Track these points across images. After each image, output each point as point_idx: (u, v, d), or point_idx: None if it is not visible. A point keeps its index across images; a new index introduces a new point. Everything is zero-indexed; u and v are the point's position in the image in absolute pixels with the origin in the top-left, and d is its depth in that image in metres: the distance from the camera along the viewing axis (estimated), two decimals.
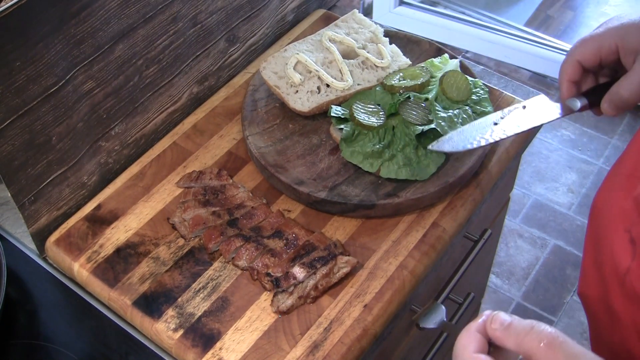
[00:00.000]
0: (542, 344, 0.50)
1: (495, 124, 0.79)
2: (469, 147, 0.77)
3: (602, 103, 0.73)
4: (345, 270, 0.82)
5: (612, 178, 0.70)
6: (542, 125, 0.79)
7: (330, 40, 1.02)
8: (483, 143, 0.77)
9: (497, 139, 0.77)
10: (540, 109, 0.78)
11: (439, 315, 0.76)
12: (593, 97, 0.75)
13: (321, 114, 0.98)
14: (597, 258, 0.70)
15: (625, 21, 0.72)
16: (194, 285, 0.84)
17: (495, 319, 0.53)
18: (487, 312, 0.55)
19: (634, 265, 0.64)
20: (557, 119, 0.77)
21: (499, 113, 0.80)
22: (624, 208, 0.65)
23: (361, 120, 0.91)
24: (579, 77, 0.76)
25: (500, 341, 0.53)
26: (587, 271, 0.74)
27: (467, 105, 0.95)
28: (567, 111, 0.76)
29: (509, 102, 1.03)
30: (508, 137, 0.77)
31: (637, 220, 0.62)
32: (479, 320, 0.54)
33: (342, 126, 0.93)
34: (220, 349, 0.78)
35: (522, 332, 0.51)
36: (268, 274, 0.82)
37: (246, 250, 0.84)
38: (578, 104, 0.75)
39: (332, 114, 0.94)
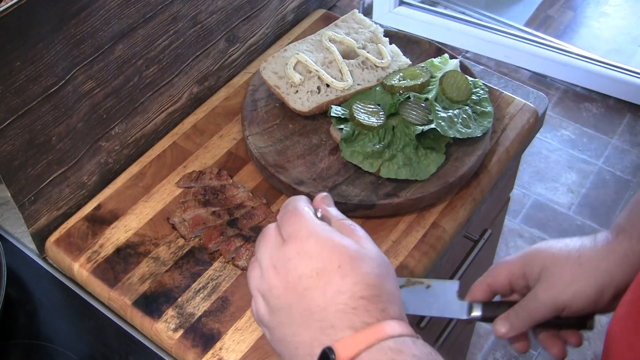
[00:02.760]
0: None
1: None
2: None
3: (494, 322, 0.71)
4: None
5: (627, 305, 0.69)
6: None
7: (330, 40, 1.02)
8: None
9: None
10: (443, 297, 0.74)
11: None
12: (491, 312, 0.72)
13: (321, 114, 0.98)
14: None
15: (537, 247, 0.71)
16: (194, 285, 0.84)
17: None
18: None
19: None
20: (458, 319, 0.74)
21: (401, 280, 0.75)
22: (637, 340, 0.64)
23: (361, 120, 0.91)
24: (488, 299, 0.74)
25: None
26: None
27: (467, 105, 0.95)
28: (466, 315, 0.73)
29: (509, 102, 1.03)
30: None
31: None
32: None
33: (342, 126, 0.93)
34: (220, 349, 0.78)
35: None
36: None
37: (246, 250, 0.84)
38: (474, 313, 0.72)
39: (332, 114, 0.94)
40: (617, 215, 2.03)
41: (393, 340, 0.50)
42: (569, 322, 0.70)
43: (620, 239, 0.68)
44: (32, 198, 0.86)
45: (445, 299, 0.73)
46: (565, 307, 0.67)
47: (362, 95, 0.97)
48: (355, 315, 0.51)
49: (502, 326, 0.70)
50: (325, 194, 0.63)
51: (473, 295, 0.74)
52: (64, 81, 0.82)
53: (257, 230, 0.87)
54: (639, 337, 0.58)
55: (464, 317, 0.72)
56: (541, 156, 2.26)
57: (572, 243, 0.70)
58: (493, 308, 0.71)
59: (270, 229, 0.58)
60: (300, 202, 0.58)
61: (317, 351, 0.51)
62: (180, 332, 0.80)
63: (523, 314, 0.69)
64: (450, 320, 0.97)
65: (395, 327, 0.52)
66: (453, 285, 0.72)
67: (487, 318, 0.72)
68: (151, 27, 0.91)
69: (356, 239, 0.56)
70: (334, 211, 0.60)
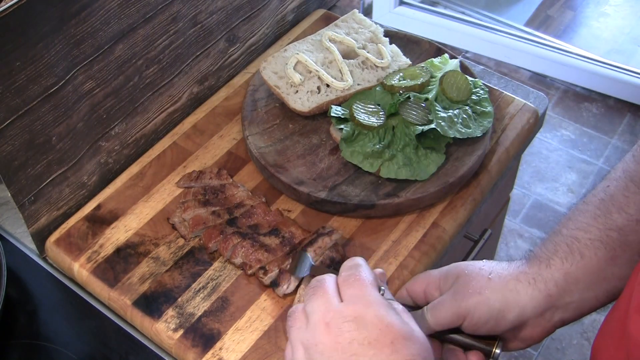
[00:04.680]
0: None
1: None
2: None
3: None
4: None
5: (607, 326, 0.69)
6: None
7: (330, 40, 1.02)
8: None
9: None
10: None
11: (307, 261, 0.78)
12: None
13: (321, 114, 0.98)
14: None
15: (457, 264, 0.73)
16: (194, 285, 0.84)
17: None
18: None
19: None
20: None
21: None
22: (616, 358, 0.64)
23: (361, 120, 0.91)
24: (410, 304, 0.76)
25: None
26: None
27: (467, 105, 0.95)
28: None
29: (509, 102, 1.03)
30: None
31: None
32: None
33: (342, 126, 0.93)
34: (220, 349, 0.78)
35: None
36: (262, 268, 0.82)
37: (242, 248, 0.84)
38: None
39: (332, 114, 0.94)
40: None
41: None
42: (474, 345, 0.71)
43: (530, 264, 0.70)
44: (32, 198, 0.86)
45: None
46: (468, 315, 0.69)
47: (362, 95, 0.97)
48: None
49: None
50: (382, 270, 0.68)
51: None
52: (64, 81, 0.82)
53: (255, 227, 0.87)
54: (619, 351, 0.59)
55: None
56: (541, 156, 2.26)
57: (489, 263, 0.72)
58: (407, 308, 0.73)
59: (329, 282, 0.60)
60: (367, 271, 0.61)
61: None
62: (180, 332, 0.80)
63: (428, 314, 0.70)
64: None
65: None
66: (362, 260, 0.75)
67: None
68: (151, 27, 0.91)
69: (407, 319, 0.59)
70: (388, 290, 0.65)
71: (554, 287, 0.68)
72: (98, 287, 0.85)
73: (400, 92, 0.95)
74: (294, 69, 0.98)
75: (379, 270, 0.69)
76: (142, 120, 0.97)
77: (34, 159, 0.84)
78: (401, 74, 0.98)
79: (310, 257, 0.80)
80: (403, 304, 0.69)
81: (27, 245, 0.92)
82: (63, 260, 0.88)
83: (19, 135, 0.80)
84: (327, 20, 1.17)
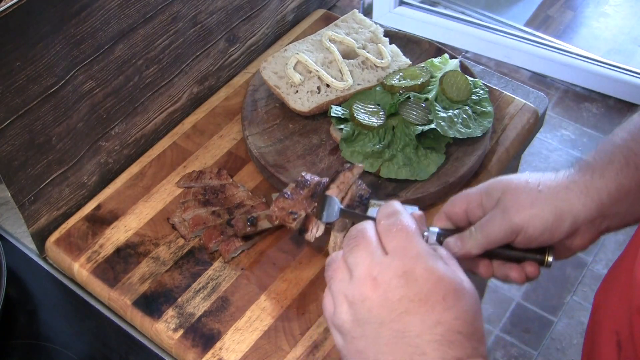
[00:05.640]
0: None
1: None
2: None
3: (446, 241, 0.69)
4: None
5: (612, 275, 0.68)
6: None
7: (330, 40, 1.02)
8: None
9: None
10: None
11: (334, 205, 0.73)
12: (446, 237, 0.71)
13: (321, 114, 0.98)
14: (591, 358, 0.69)
15: (496, 178, 0.71)
16: (194, 285, 0.84)
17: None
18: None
19: None
20: None
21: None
22: (617, 310, 0.64)
23: (361, 120, 0.91)
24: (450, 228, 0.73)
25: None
26: None
27: (467, 105, 0.95)
28: None
29: (509, 102, 1.03)
30: None
31: (626, 324, 0.61)
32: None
33: (342, 126, 0.93)
34: (220, 348, 0.78)
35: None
36: (292, 213, 0.79)
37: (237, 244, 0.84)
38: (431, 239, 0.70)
39: (332, 114, 0.94)
40: None
41: None
42: (526, 257, 0.69)
43: (582, 173, 0.67)
44: (32, 198, 0.86)
45: None
46: (522, 230, 0.66)
47: (362, 95, 0.97)
48: (450, 349, 0.51)
49: (455, 243, 0.68)
50: (420, 213, 0.63)
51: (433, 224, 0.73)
52: (64, 81, 0.82)
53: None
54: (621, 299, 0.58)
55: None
56: (541, 156, 2.26)
57: (532, 175, 0.69)
58: (449, 233, 0.70)
59: (371, 232, 0.57)
60: (408, 218, 0.57)
61: None
62: (180, 332, 0.80)
63: (477, 234, 0.67)
64: None
65: None
66: (412, 209, 0.70)
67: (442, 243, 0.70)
68: (151, 27, 0.91)
69: (455, 268, 0.56)
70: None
71: (607, 197, 0.66)
72: (98, 287, 0.85)
73: (400, 92, 0.95)
74: (294, 69, 0.98)
75: (417, 212, 0.64)
76: (142, 120, 0.97)
77: (34, 159, 0.84)
78: (401, 74, 0.98)
79: (338, 200, 0.74)
80: (444, 230, 0.68)
81: (27, 245, 0.92)
82: (63, 260, 0.88)
83: (19, 135, 0.80)
84: (327, 20, 1.17)
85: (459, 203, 0.71)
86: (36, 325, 0.85)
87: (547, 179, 0.68)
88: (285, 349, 0.78)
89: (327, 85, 0.97)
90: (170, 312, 0.81)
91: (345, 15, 1.07)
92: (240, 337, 0.79)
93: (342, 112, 0.94)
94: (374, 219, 0.59)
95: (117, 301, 0.83)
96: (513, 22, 2.62)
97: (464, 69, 1.02)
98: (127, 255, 0.87)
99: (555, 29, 2.66)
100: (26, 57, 0.76)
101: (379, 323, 0.53)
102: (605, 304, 0.66)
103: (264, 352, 0.78)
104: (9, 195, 0.83)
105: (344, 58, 1.00)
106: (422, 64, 1.00)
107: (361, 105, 0.93)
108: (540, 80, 2.49)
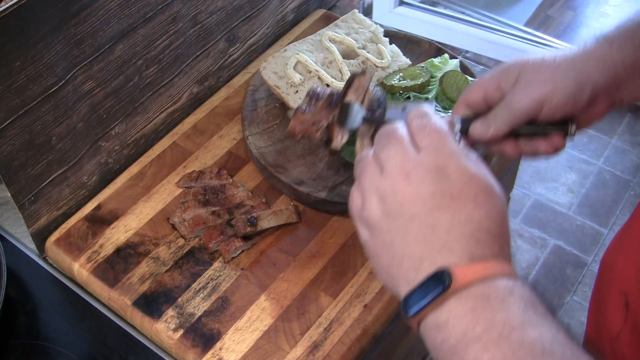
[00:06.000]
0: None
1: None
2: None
3: (472, 126, 0.70)
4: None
5: (622, 237, 0.68)
6: None
7: (330, 40, 1.02)
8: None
9: None
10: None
11: (358, 112, 0.73)
12: (469, 124, 0.71)
13: None
14: (597, 319, 0.69)
15: (512, 61, 0.71)
16: (194, 285, 0.84)
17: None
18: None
19: (625, 330, 0.63)
20: None
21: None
22: (625, 270, 0.64)
23: None
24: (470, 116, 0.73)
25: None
26: (589, 333, 0.72)
27: None
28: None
29: None
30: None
31: (634, 284, 0.61)
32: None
33: None
34: (220, 349, 0.78)
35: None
36: (315, 123, 0.77)
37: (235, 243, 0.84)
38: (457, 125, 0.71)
39: None
40: (617, 216, 2.04)
41: (506, 279, 0.50)
42: (551, 130, 0.70)
43: (600, 44, 0.68)
44: (32, 198, 0.86)
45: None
46: (545, 103, 0.67)
47: None
48: (477, 246, 0.51)
49: (480, 127, 0.69)
50: (450, 118, 0.61)
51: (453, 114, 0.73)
52: (64, 81, 0.82)
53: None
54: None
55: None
56: None
57: (548, 53, 0.70)
58: (472, 119, 0.69)
59: (402, 130, 0.56)
60: (439, 119, 0.57)
61: (427, 268, 0.50)
62: (180, 332, 0.80)
63: (502, 114, 0.68)
64: None
65: (508, 267, 0.51)
66: (429, 105, 0.69)
67: (467, 131, 0.70)
68: (151, 27, 0.91)
69: (484, 170, 0.55)
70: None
71: (622, 69, 0.67)
72: (98, 287, 0.85)
73: (401, 92, 0.95)
74: (294, 69, 0.98)
75: (448, 117, 0.63)
76: (142, 120, 0.97)
77: (34, 159, 0.84)
78: (401, 74, 0.98)
79: (359, 105, 0.73)
80: (465, 118, 0.68)
81: (27, 245, 0.92)
82: (63, 260, 0.88)
83: (19, 135, 0.80)
84: (327, 20, 1.17)
85: (477, 89, 0.71)
86: (36, 325, 0.85)
87: (562, 53, 0.69)
88: (285, 349, 0.78)
89: (327, 85, 0.97)
90: (170, 312, 0.81)
91: (345, 15, 1.07)
92: (240, 337, 0.79)
93: None
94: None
95: (117, 301, 0.83)
96: (513, 22, 2.62)
97: (464, 69, 1.02)
98: (127, 255, 0.87)
99: (556, 29, 2.66)
100: (26, 57, 0.76)
101: (409, 217, 0.52)
102: (613, 266, 0.66)
103: (263, 352, 0.78)
104: (9, 195, 0.83)
105: (344, 58, 1.00)
106: (422, 64, 1.00)
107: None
108: None
